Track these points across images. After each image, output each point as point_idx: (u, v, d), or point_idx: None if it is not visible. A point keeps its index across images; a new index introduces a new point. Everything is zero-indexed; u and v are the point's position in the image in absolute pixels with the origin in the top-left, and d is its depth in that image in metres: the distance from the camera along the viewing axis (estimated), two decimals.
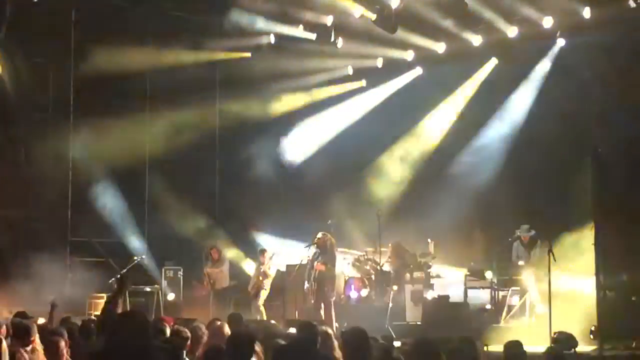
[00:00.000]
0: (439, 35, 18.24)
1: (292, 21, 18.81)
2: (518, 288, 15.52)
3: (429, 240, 17.49)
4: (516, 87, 18.16)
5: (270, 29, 19.25)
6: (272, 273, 17.40)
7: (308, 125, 20.78)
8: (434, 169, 19.03)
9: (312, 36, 18.95)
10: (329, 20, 18.43)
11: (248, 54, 20.14)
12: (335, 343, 7.64)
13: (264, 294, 17.33)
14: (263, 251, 17.75)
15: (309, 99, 20.58)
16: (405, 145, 19.65)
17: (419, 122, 19.61)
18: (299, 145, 20.85)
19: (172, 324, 9.43)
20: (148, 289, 18.14)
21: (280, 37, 19.38)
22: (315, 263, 15.39)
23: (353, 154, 19.86)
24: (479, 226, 17.96)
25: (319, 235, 15.74)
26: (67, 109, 18.71)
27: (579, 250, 15.06)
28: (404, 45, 18.89)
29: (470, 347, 7.39)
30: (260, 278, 17.35)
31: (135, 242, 19.24)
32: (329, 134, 20.58)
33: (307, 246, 15.80)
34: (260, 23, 18.84)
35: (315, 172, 19.88)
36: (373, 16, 17.01)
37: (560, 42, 17.36)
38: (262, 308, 17.16)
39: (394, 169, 19.61)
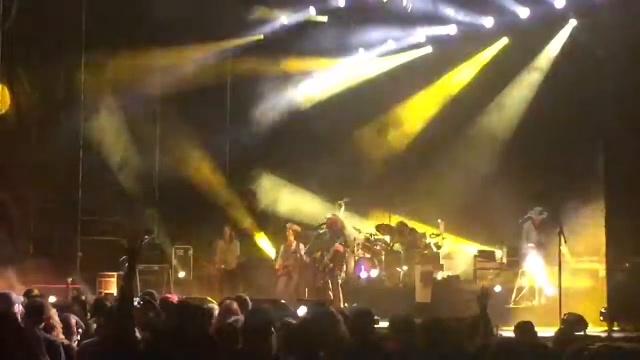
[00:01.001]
0: None
1: None
2: (527, 269, 15.51)
3: (439, 220, 17.48)
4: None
5: None
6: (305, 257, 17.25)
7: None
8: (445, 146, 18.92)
9: None
10: None
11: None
12: (342, 323, 7.66)
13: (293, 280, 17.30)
14: (291, 228, 17.62)
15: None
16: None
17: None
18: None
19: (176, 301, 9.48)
20: (157, 268, 18.19)
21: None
22: (336, 244, 15.47)
23: None
24: (489, 206, 17.91)
25: (329, 215, 15.85)
26: (77, 90, 18.70)
27: (589, 232, 15.07)
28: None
29: (485, 325, 7.44)
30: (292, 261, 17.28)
31: (146, 221, 19.26)
32: None
33: (316, 228, 15.92)
34: None
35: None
36: None
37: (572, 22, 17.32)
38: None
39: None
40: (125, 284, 6.73)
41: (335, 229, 15.71)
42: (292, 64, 20.01)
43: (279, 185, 19.36)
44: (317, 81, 20.29)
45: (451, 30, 18.75)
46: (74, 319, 8.55)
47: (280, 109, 19.96)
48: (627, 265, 14.10)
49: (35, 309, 7.77)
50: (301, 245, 17.05)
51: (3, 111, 17.66)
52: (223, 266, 18.32)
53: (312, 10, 19.38)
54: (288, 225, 17.62)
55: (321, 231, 16.19)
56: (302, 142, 19.24)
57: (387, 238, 17.59)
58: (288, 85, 20.05)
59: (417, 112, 19.61)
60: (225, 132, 20.32)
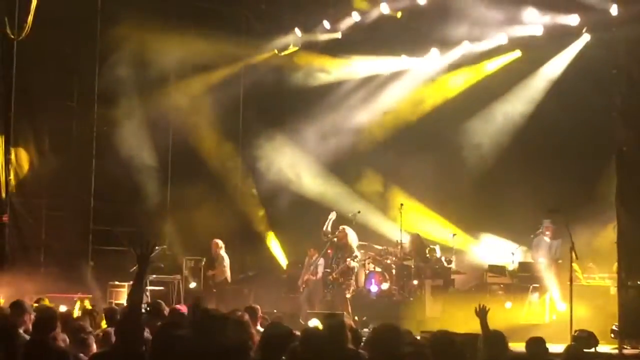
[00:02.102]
0: None
1: None
2: (538, 285, 15.46)
3: (452, 235, 17.47)
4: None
5: None
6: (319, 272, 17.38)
7: None
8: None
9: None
10: None
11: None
12: (350, 336, 7.62)
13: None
14: (312, 250, 17.81)
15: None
16: None
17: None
18: None
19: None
20: (168, 279, 18.21)
21: None
22: (347, 260, 15.48)
23: None
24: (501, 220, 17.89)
25: (340, 228, 15.88)
26: (91, 97, 18.78)
27: (601, 248, 15.03)
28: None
29: (501, 340, 7.42)
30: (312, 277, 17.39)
31: (157, 232, 19.29)
32: None
33: (327, 240, 15.95)
34: None
35: None
36: None
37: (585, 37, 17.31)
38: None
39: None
40: (133, 291, 6.74)
41: (344, 243, 15.73)
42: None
43: None
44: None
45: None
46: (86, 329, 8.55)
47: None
48: (639, 282, 14.04)
49: (47, 319, 7.74)
50: (321, 260, 17.16)
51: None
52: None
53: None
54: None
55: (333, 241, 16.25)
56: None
57: (399, 251, 17.56)
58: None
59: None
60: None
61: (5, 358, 6.61)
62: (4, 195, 17.33)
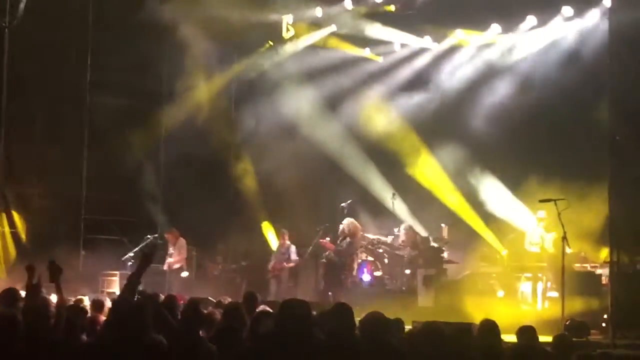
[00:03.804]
0: None
1: None
2: (530, 274, 15.46)
3: (443, 225, 17.45)
4: None
5: None
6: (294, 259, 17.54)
7: None
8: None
9: None
10: None
11: None
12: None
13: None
14: (283, 233, 17.85)
15: None
16: None
17: None
18: None
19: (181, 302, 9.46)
20: (160, 267, 18.16)
21: None
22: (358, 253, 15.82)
23: None
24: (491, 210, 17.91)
25: (347, 222, 16.03)
26: (83, 85, 18.72)
27: (593, 237, 15.05)
28: None
29: (493, 329, 7.42)
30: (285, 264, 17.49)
31: (149, 221, 19.28)
32: None
33: (341, 240, 16.10)
34: None
35: None
36: None
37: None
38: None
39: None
40: (131, 283, 6.99)
41: (357, 237, 15.95)
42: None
43: None
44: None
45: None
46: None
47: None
48: (631, 272, 14.07)
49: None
50: (292, 247, 17.53)
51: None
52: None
53: None
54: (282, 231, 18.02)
55: (340, 239, 16.42)
56: None
57: (391, 240, 17.57)
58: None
59: None
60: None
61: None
62: None
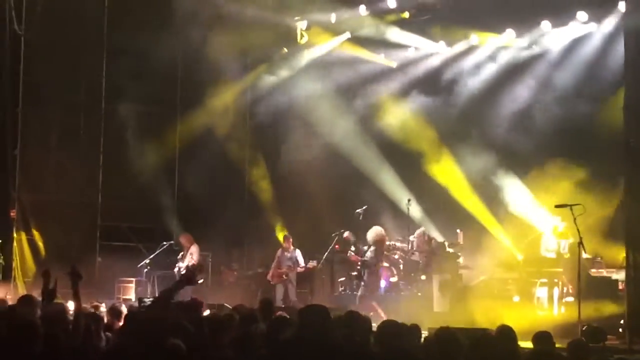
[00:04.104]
0: None
1: None
2: (546, 280, 15.41)
3: (458, 230, 17.41)
4: None
5: None
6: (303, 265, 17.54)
7: None
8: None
9: None
10: None
11: None
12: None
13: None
14: (288, 237, 17.85)
15: None
16: None
17: None
18: None
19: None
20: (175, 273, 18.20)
21: None
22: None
23: None
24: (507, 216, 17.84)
25: (375, 231, 16.01)
26: (99, 92, 18.80)
27: (610, 243, 14.98)
28: None
29: (509, 336, 7.38)
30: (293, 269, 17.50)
31: (165, 228, 19.32)
32: None
33: (368, 248, 16.19)
34: None
35: None
36: None
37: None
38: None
39: None
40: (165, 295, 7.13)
41: (383, 246, 15.99)
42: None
43: None
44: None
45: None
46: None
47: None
48: None
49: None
50: (298, 252, 17.53)
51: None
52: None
53: None
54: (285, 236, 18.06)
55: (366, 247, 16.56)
56: None
57: (407, 246, 17.55)
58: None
59: None
60: None
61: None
62: (12, 190, 17.40)
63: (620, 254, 14.45)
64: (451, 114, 18.82)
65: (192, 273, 7.35)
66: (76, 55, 18.49)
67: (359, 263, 16.66)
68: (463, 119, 18.67)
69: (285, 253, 17.76)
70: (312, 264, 17.53)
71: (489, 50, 18.96)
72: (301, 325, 6.13)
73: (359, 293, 16.55)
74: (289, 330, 6.50)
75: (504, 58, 18.74)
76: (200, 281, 18.13)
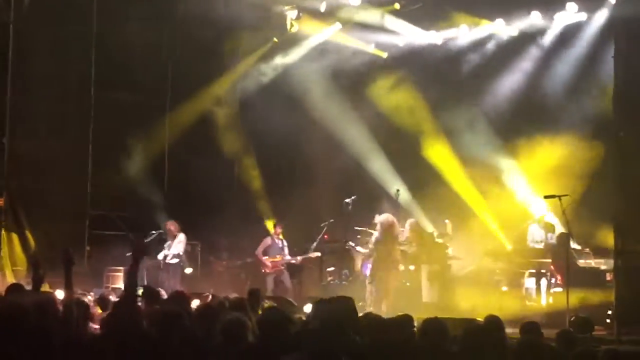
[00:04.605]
0: None
1: None
2: (534, 270, 15.46)
3: (446, 221, 17.44)
4: None
5: None
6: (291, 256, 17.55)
7: None
8: None
9: None
10: None
11: None
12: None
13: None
14: (279, 225, 17.82)
15: None
16: None
17: None
18: None
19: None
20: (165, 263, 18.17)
21: None
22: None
23: None
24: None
25: (383, 218, 15.85)
26: (88, 81, 18.74)
27: (598, 233, 15.04)
28: None
29: (497, 326, 7.41)
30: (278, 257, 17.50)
31: (155, 217, 19.27)
32: None
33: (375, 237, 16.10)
34: None
35: None
36: None
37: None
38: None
39: None
40: (129, 276, 6.95)
41: (394, 233, 15.56)
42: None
43: None
44: None
45: None
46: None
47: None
48: (635, 267, 14.05)
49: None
50: (284, 242, 17.59)
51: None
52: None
53: None
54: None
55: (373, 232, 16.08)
56: None
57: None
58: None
59: None
60: None
61: None
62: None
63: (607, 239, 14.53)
64: (445, 101, 18.88)
65: (140, 245, 7.13)
66: (65, 44, 18.38)
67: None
68: (456, 106, 18.73)
69: (276, 241, 17.75)
70: (316, 254, 17.49)
71: (479, 37, 19.05)
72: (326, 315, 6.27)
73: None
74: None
75: (494, 45, 18.83)
76: (189, 271, 18.17)
